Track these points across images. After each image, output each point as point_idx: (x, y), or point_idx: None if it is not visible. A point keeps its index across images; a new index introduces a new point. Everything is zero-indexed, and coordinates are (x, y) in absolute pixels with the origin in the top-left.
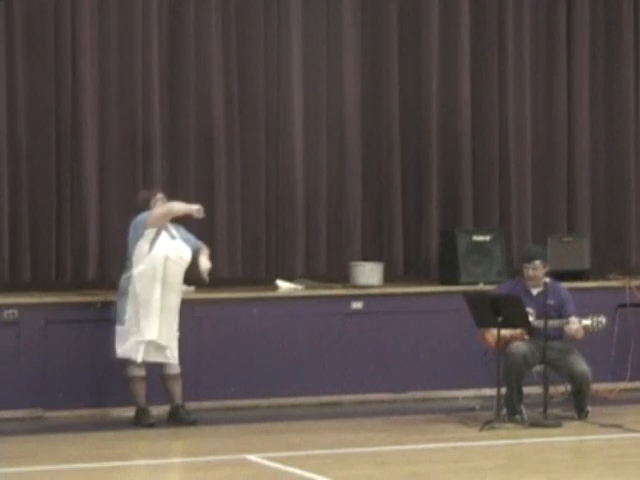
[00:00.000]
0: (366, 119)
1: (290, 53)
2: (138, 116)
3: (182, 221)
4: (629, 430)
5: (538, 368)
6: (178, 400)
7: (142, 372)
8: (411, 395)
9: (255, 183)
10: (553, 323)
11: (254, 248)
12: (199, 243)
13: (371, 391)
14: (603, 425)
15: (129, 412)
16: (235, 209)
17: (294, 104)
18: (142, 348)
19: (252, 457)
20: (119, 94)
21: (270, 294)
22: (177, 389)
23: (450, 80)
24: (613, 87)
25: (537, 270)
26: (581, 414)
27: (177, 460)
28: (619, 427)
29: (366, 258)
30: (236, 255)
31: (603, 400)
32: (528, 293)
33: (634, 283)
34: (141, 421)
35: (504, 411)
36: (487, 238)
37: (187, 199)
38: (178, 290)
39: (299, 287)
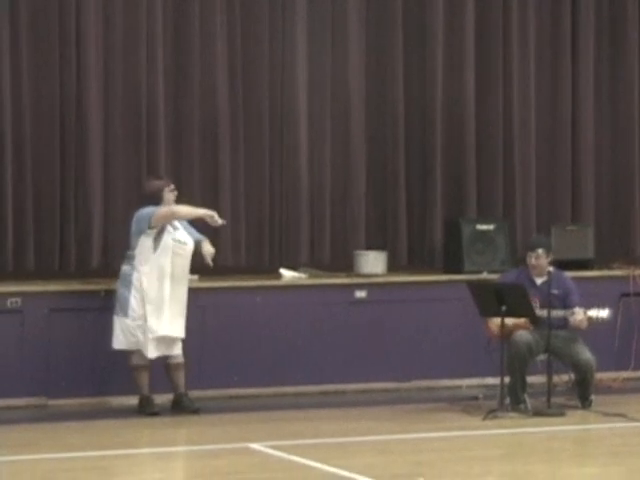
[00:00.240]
0: (370, 110)
1: (295, 46)
2: (143, 107)
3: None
4: (632, 419)
5: (542, 357)
6: (181, 389)
7: (146, 361)
8: (414, 384)
9: (260, 173)
10: (557, 313)
11: (258, 237)
12: (201, 236)
13: (374, 380)
14: (606, 414)
15: (132, 400)
16: (239, 199)
17: (299, 96)
18: (154, 344)
19: (255, 445)
20: (124, 87)
21: (274, 283)
22: (180, 378)
23: (455, 73)
24: (617, 77)
25: (540, 259)
26: (585, 403)
27: (181, 448)
28: (622, 416)
29: (370, 247)
30: (240, 244)
31: (606, 389)
32: (532, 282)
33: (638, 272)
34: (145, 409)
35: (507, 400)
36: (491, 227)
37: (192, 190)
38: (185, 281)
39: (303, 276)
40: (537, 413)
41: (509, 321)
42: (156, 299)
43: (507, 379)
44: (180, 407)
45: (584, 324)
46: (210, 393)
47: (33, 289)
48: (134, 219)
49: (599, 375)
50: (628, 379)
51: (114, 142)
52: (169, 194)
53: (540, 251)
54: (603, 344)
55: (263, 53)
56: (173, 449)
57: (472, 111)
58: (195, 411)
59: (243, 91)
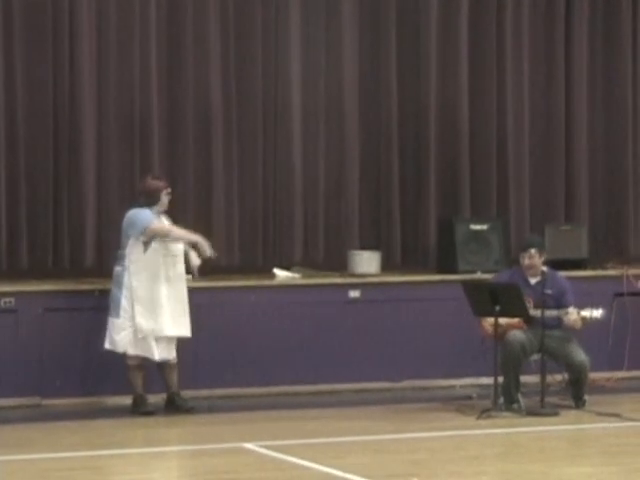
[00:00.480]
0: (364, 108)
1: (288, 45)
2: (136, 105)
3: (180, 209)
4: (626, 419)
5: (536, 357)
6: (174, 388)
7: (139, 360)
8: (408, 384)
9: (253, 172)
10: (551, 313)
11: (252, 236)
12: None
13: (369, 380)
14: (600, 414)
15: (126, 400)
16: (233, 198)
17: (292, 95)
18: (157, 346)
19: (249, 445)
20: (117, 84)
21: (267, 282)
22: (173, 377)
23: (449, 71)
24: (611, 78)
25: (533, 259)
26: (578, 403)
27: (175, 448)
28: (616, 416)
29: (364, 247)
30: (234, 243)
31: (600, 389)
32: (526, 282)
33: (632, 272)
34: (139, 409)
35: (501, 400)
36: (485, 227)
37: (185, 189)
38: (182, 280)
39: (296, 276)
40: (531, 413)
41: (503, 321)
42: (146, 299)
43: (501, 379)
44: (173, 406)
45: (578, 324)
46: (204, 392)
47: (27, 289)
48: (127, 219)
49: (593, 375)
50: (622, 379)
51: (107, 140)
52: (165, 196)
53: (533, 251)
54: (597, 344)
55: (256, 52)
56: (167, 448)
57: (466, 111)
58: (188, 410)
59: (236, 90)
